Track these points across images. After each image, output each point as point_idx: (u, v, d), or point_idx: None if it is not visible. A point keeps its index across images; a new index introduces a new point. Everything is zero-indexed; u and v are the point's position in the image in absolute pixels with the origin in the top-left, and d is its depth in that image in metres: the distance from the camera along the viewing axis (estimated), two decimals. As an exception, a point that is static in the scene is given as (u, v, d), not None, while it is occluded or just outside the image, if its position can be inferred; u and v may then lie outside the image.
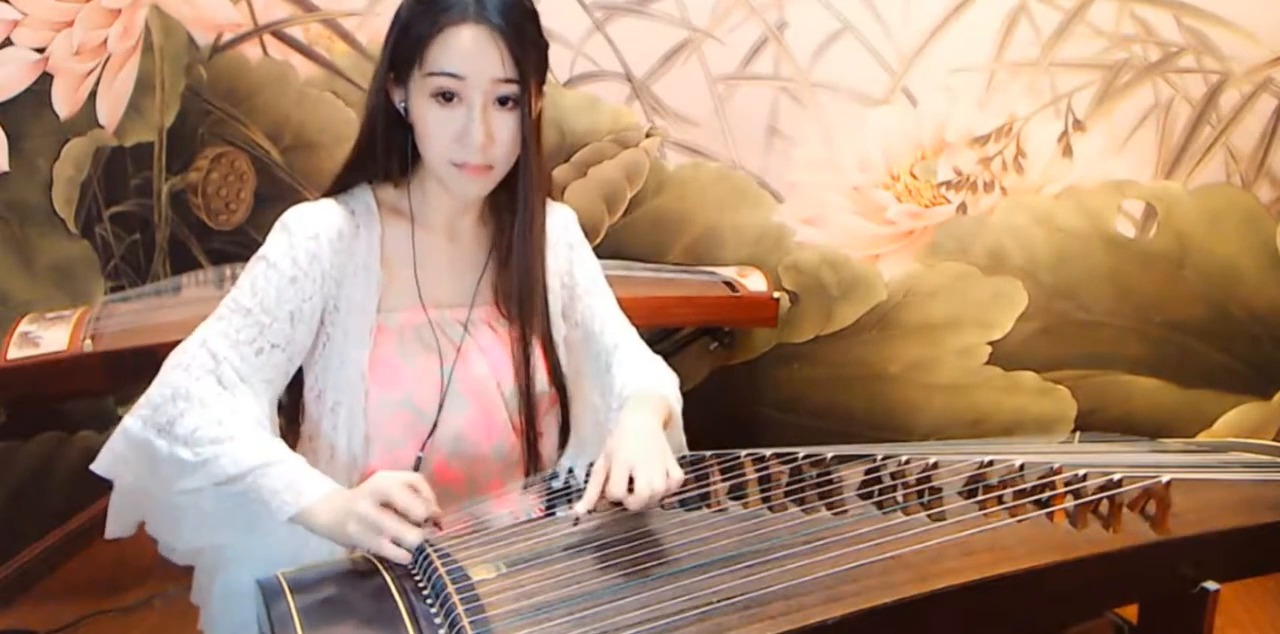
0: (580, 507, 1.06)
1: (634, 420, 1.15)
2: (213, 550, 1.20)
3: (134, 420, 1.13)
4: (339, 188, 1.22)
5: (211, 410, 1.09)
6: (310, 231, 1.16)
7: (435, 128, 1.12)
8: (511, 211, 1.23)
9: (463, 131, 1.11)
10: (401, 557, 1.01)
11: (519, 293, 1.24)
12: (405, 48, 1.12)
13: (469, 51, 1.09)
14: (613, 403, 1.26)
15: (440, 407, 1.19)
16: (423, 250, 1.22)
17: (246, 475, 1.06)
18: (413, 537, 1.01)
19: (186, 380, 1.11)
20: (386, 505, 1.02)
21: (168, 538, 1.20)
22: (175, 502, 1.13)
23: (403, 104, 1.15)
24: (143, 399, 1.13)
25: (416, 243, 1.22)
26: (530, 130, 1.15)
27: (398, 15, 1.14)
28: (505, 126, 1.12)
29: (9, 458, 2.25)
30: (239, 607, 1.10)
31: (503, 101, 1.12)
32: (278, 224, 1.18)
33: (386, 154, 1.20)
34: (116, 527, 1.21)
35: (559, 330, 1.29)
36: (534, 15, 1.14)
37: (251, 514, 1.08)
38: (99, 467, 1.18)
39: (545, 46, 1.16)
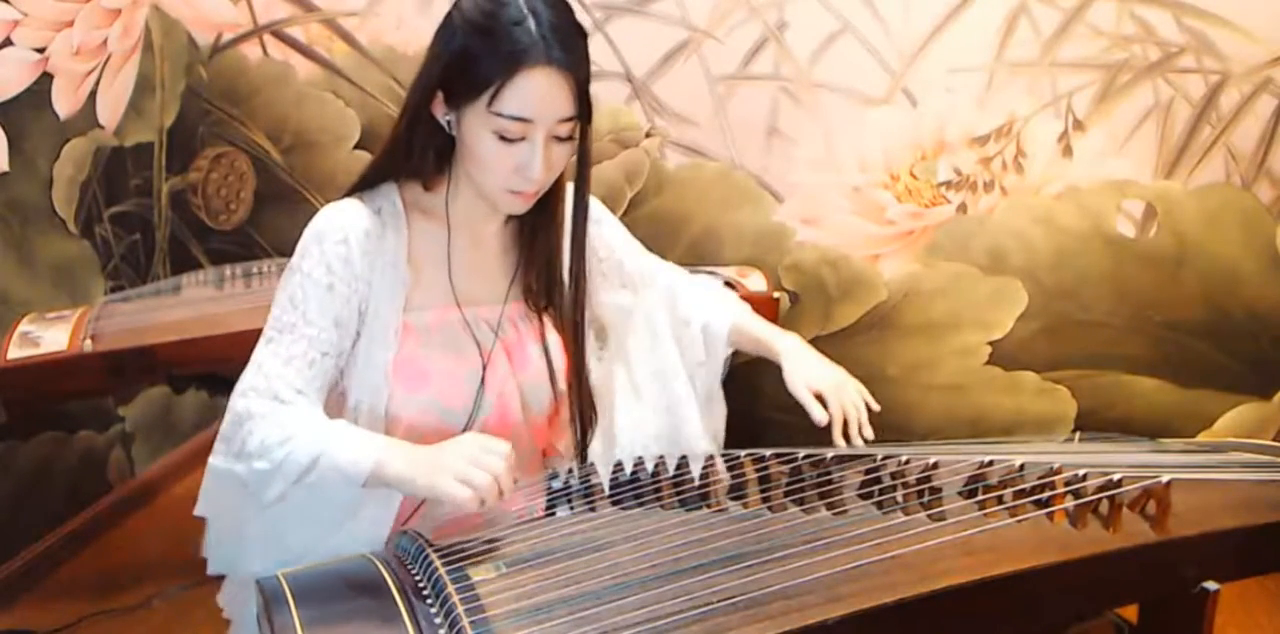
0: (817, 412, 1.27)
1: (793, 348, 1.35)
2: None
3: (215, 457, 1.15)
4: (365, 185, 1.21)
5: (271, 419, 1.10)
6: (339, 235, 1.16)
7: (495, 160, 1.12)
8: (538, 211, 1.23)
9: (524, 165, 1.11)
10: (470, 499, 1.01)
11: (551, 287, 1.27)
12: (466, 79, 1.09)
13: (540, 96, 1.08)
14: (697, 336, 1.42)
15: (474, 413, 1.21)
16: (453, 250, 1.22)
17: (318, 458, 1.06)
18: (473, 501, 1.00)
19: (245, 404, 1.13)
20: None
21: (265, 556, 1.20)
22: (272, 518, 1.15)
23: (448, 119, 1.14)
24: (218, 435, 1.16)
25: (444, 242, 1.22)
26: (588, 154, 1.18)
27: (451, 34, 1.11)
28: (561, 156, 1.14)
29: (9, 458, 2.25)
30: None
31: (561, 136, 1.12)
32: (307, 232, 1.17)
33: (422, 159, 1.19)
34: (216, 566, 1.23)
35: (586, 320, 1.31)
36: (585, 34, 1.13)
37: (337, 494, 1.09)
38: (199, 510, 1.19)
39: (589, 60, 1.14)
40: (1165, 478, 1.15)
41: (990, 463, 1.21)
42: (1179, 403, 2.56)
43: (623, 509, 1.10)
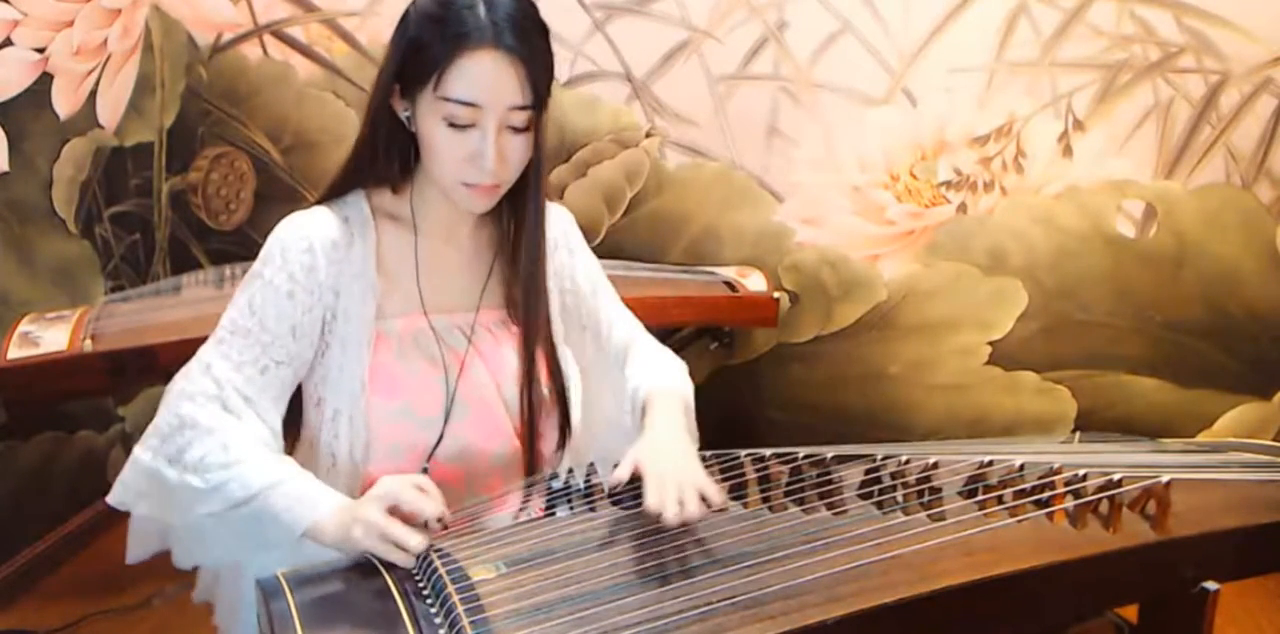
0: (623, 472, 1.08)
1: (663, 430, 1.16)
2: (231, 566, 1.21)
3: (144, 451, 1.14)
4: (335, 193, 1.20)
5: (217, 436, 1.09)
6: (303, 244, 1.14)
7: (446, 149, 1.10)
8: (514, 216, 1.23)
9: (475, 155, 1.09)
10: (408, 563, 1.01)
11: (524, 297, 1.23)
12: (417, 66, 1.09)
13: (487, 80, 1.06)
14: (625, 404, 1.27)
15: (446, 418, 1.19)
16: (422, 256, 1.21)
17: (255, 497, 1.06)
18: (417, 542, 1.00)
19: (192, 409, 1.11)
20: (394, 509, 1.02)
21: (190, 556, 1.20)
22: (194, 524, 1.14)
23: (407, 114, 1.13)
24: (150, 429, 1.14)
25: (415, 248, 1.21)
26: (542, 148, 1.14)
27: (405, 26, 1.11)
28: (516, 148, 1.11)
29: (9, 458, 2.25)
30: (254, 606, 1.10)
31: (516, 126, 1.10)
32: (270, 238, 1.16)
33: (387, 160, 1.18)
34: (137, 552, 1.22)
35: (559, 332, 1.29)
36: (546, 30, 1.12)
37: (267, 529, 1.08)
38: (114, 499, 1.17)
39: (553, 58, 1.13)
40: (1165, 478, 1.15)
41: (990, 463, 1.21)
42: (1179, 403, 2.56)
43: (623, 509, 1.10)
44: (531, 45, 1.08)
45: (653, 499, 1.03)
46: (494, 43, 1.06)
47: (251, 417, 1.12)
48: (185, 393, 1.13)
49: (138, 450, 1.14)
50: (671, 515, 1.02)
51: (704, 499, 1.05)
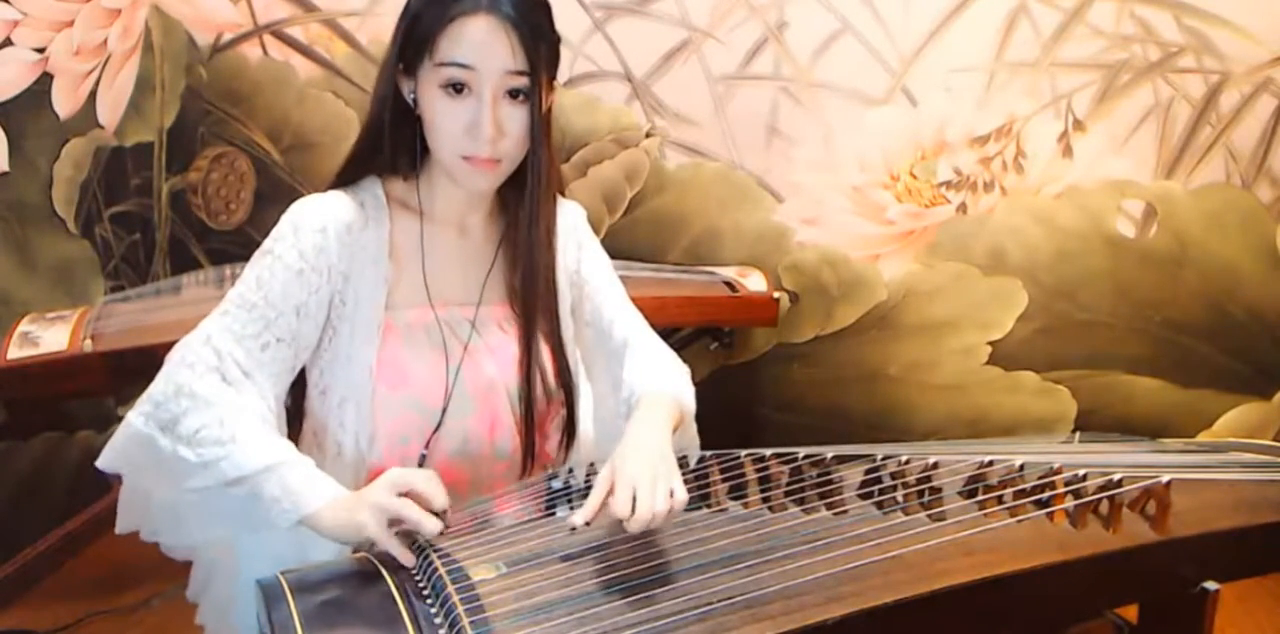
0: (579, 517, 1.02)
1: (641, 432, 1.11)
2: (216, 547, 1.20)
3: (137, 416, 1.12)
4: (347, 179, 1.20)
5: (215, 410, 1.08)
6: (317, 224, 1.14)
7: (444, 119, 1.11)
8: (520, 208, 1.22)
9: (472, 124, 1.09)
10: (408, 559, 1.01)
11: (525, 292, 1.23)
12: (415, 38, 1.10)
13: (480, 42, 1.08)
14: (620, 407, 1.25)
15: (445, 407, 1.19)
16: (432, 246, 1.21)
17: (247, 481, 1.05)
18: (431, 524, 1.00)
19: (190, 377, 1.10)
20: (405, 495, 1.02)
21: (170, 536, 1.19)
22: (181, 498, 1.12)
23: (411, 95, 1.14)
24: (145, 395, 1.12)
25: (425, 238, 1.21)
26: (540, 125, 1.13)
27: (408, 5, 1.13)
28: (515, 120, 1.11)
29: (9, 458, 2.25)
30: (247, 603, 1.09)
31: (513, 95, 1.10)
32: (284, 216, 1.16)
33: (394, 148, 1.18)
34: (127, 522, 1.20)
35: (568, 329, 1.28)
36: (546, 8, 1.13)
37: (258, 512, 1.07)
38: (103, 462, 1.16)
39: (557, 40, 1.14)
40: (1165, 478, 1.15)
41: (990, 463, 1.21)
42: (1179, 403, 2.56)
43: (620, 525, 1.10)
44: (527, 15, 1.09)
45: (619, 507, 1.00)
46: (488, 9, 1.08)
47: (250, 390, 1.11)
48: (184, 361, 1.11)
49: (130, 415, 1.12)
50: (625, 516, 0.99)
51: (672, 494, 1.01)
